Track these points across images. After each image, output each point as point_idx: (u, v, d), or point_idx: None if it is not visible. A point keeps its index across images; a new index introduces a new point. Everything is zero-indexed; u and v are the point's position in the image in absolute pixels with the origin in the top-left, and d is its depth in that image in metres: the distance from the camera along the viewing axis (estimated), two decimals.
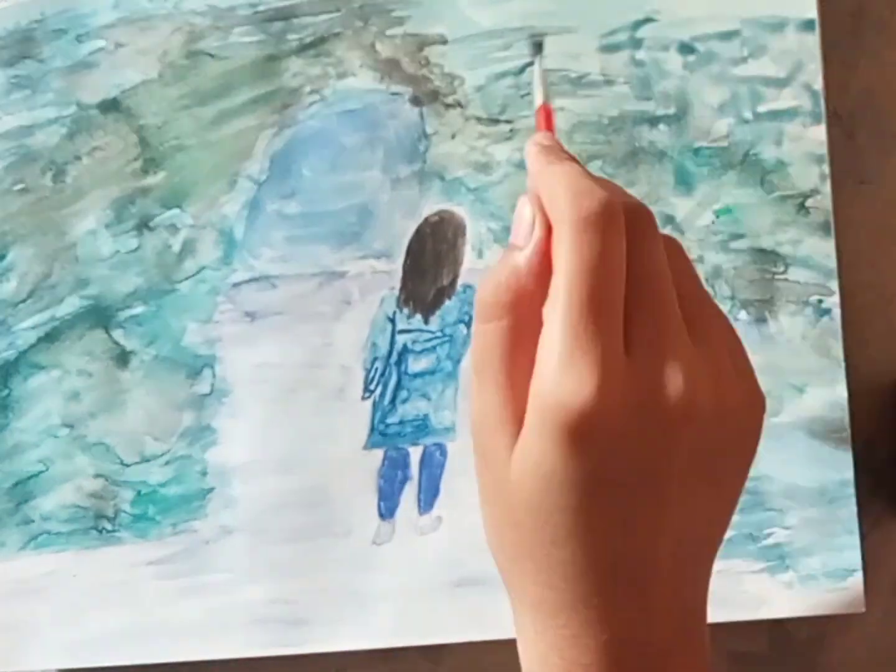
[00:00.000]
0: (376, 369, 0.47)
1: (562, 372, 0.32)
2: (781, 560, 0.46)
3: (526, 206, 0.36)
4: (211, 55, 0.46)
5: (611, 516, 0.34)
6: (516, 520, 0.35)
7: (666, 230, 0.46)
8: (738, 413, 0.35)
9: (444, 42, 0.46)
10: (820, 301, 0.46)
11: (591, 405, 0.32)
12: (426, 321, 0.47)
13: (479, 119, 0.46)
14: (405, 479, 0.47)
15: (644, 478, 0.34)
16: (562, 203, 0.33)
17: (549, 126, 0.38)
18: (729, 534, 0.45)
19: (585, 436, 0.32)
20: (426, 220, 0.47)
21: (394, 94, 0.46)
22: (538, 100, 0.40)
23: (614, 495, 0.33)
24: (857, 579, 0.46)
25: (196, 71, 0.46)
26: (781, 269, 0.46)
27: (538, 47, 0.43)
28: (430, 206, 0.47)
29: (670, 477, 0.34)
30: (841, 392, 0.46)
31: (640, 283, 0.34)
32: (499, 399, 0.34)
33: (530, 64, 0.46)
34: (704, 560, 0.37)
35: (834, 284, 0.46)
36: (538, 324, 0.35)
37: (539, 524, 0.34)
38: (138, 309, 0.47)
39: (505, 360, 0.34)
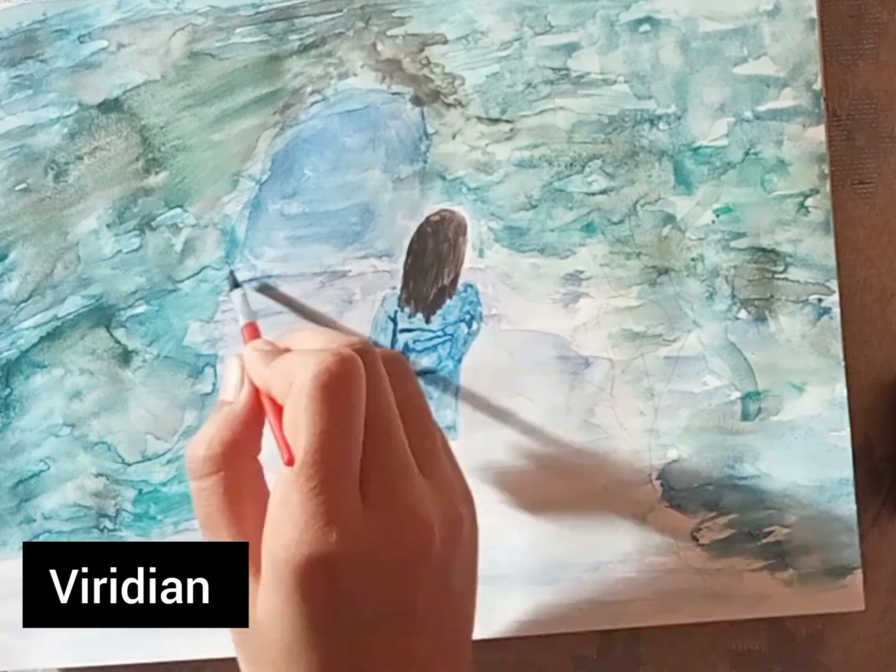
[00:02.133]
0: None
1: (301, 529, 0.34)
2: (781, 558, 0.46)
3: (234, 363, 0.38)
4: (213, 55, 0.46)
5: (360, 653, 0.35)
6: (268, 661, 0.36)
7: (666, 229, 0.46)
8: (468, 536, 0.38)
9: (445, 42, 0.46)
10: (819, 300, 0.46)
11: (332, 557, 0.33)
12: (427, 320, 0.47)
13: (479, 119, 0.46)
14: None
15: (390, 614, 0.35)
16: (299, 373, 0.34)
17: (257, 336, 0.41)
18: (728, 532, 0.46)
19: (327, 584, 0.34)
20: (427, 219, 0.47)
21: (395, 94, 0.47)
22: (241, 321, 0.43)
23: (361, 634, 0.35)
24: (857, 577, 0.46)
25: (198, 71, 0.47)
26: (781, 268, 0.46)
27: (233, 281, 0.45)
28: (431, 205, 0.47)
29: (413, 609, 0.36)
30: (840, 391, 0.46)
31: (372, 427, 0.35)
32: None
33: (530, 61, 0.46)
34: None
35: (833, 284, 0.46)
36: (255, 472, 0.37)
37: (290, 666, 0.35)
38: (140, 308, 0.47)
39: (228, 513, 0.36)
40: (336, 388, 0.34)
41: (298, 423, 0.34)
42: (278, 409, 0.36)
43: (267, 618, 0.35)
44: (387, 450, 0.35)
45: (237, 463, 0.37)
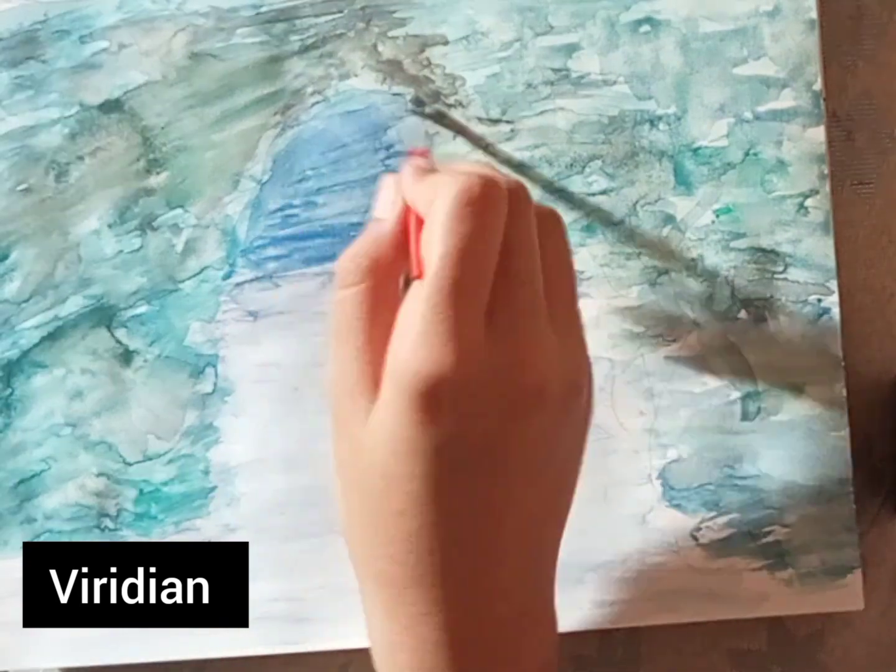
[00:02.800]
0: None
1: (420, 343, 0.33)
2: (780, 558, 0.46)
3: (390, 182, 0.37)
4: (214, 56, 0.47)
5: (458, 489, 0.34)
6: (368, 487, 0.35)
7: (666, 230, 0.46)
8: (583, 408, 0.37)
9: (446, 43, 0.46)
10: (819, 300, 0.46)
11: (447, 375, 0.32)
12: None
13: (480, 119, 0.47)
14: None
15: (492, 454, 0.34)
16: (442, 187, 0.34)
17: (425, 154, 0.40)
18: (728, 532, 0.46)
19: (439, 405, 0.33)
20: None
21: (396, 94, 0.47)
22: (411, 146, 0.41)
23: (463, 468, 0.34)
24: (856, 577, 0.46)
25: (199, 72, 0.47)
26: (781, 268, 0.46)
27: (417, 101, 0.45)
28: None
29: (518, 456, 0.34)
30: (840, 391, 0.46)
31: (509, 262, 0.34)
32: (357, 365, 0.35)
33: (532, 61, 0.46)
34: (549, 542, 0.37)
35: (833, 284, 0.46)
36: (395, 293, 0.36)
37: (389, 492, 0.34)
38: (141, 308, 0.47)
39: (364, 324, 0.35)
40: (474, 208, 0.33)
41: (433, 239, 0.34)
42: (420, 225, 0.35)
43: (376, 437, 0.34)
44: (519, 288, 0.34)
45: (380, 278, 0.36)
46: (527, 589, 0.36)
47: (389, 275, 0.36)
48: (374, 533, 0.35)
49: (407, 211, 0.36)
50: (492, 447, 0.34)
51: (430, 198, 0.35)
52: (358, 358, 0.35)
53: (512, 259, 0.34)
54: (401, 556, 0.34)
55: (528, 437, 0.34)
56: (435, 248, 0.33)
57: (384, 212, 0.37)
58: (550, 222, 0.37)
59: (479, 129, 0.47)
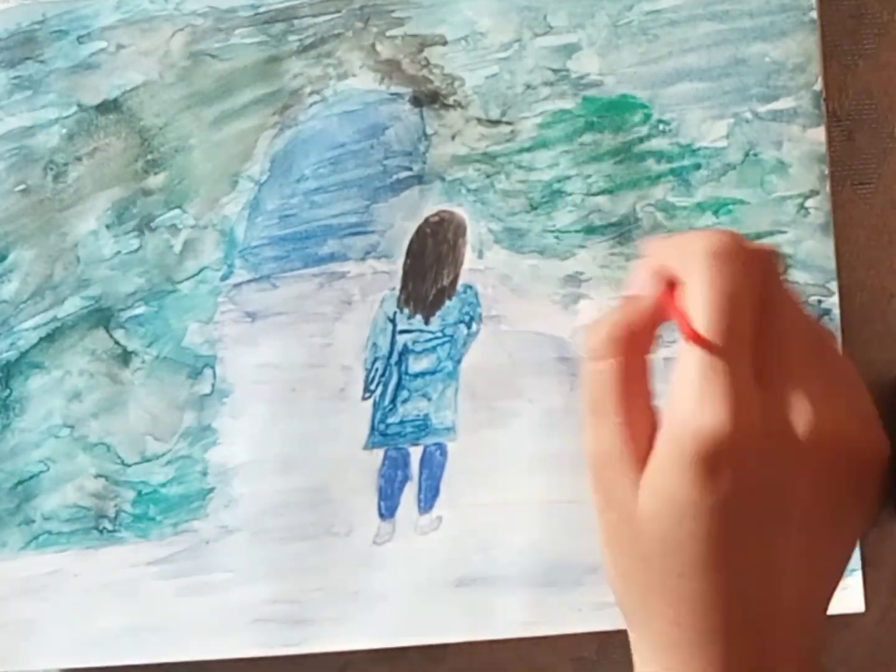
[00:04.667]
0: (377, 369, 0.47)
1: (697, 402, 0.33)
2: None
3: (643, 265, 0.37)
4: (212, 56, 0.47)
5: (740, 548, 0.34)
6: (645, 554, 0.35)
7: (666, 230, 0.46)
8: (861, 449, 0.36)
9: (444, 43, 0.46)
10: (819, 301, 0.46)
11: (726, 432, 0.32)
12: (426, 321, 0.47)
13: (479, 120, 0.46)
14: (405, 478, 0.47)
15: (772, 504, 0.34)
16: (695, 244, 0.34)
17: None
18: None
19: (721, 463, 0.33)
20: (426, 220, 0.47)
21: (394, 94, 0.47)
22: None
23: (744, 526, 0.34)
24: (856, 579, 0.46)
25: (197, 72, 0.47)
26: (781, 269, 0.46)
27: None
28: (431, 206, 0.47)
29: (795, 503, 0.34)
30: None
31: (769, 316, 0.34)
32: (619, 437, 0.35)
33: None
34: (823, 600, 0.37)
35: (833, 285, 0.46)
36: (646, 368, 0.36)
37: (670, 556, 0.34)
38: (139, 309, 0.47)
39: (622, 397, 0.35)
40: (729, 256, 0.33)
41: (694, 295, 0.33)
42: (673, 289, 0.35)
43: (653, 502, 0.34)
44: (785, 342, 0.34)
45: (634, 352, 0.36)
46: (803, 648, 0.36)
47: (642, 348, 0.36)
48: (653, 597, 0.35)
49: (667, 292, 0.36)
50: (771, 503, 0.34)
51: (680, 256, 0.35)
52: (619, 434, 0.35)
53: (774, 315, 0.34)
54: (680, 617, 0.34)
55: (805, 485, 0.34)
56: (697, 303, 0.33)
57: (638, 289, 0.37)
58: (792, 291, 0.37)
59: (478, 129, 0.47)
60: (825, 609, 0.37)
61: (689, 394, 0.33)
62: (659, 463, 0.34)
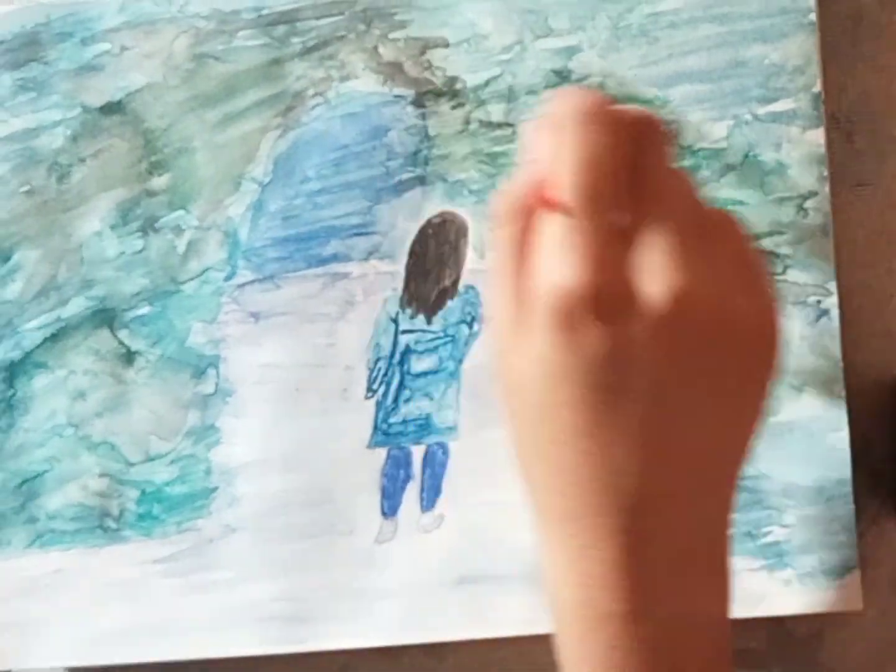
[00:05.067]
0: (379, 369, 0.47)
1: (556, 262, 0.32)
2: (780, 558, 0.46)
3: (533, 128, 0.35)
4: (215, 58, 0.47)
5: (614, 417, 0.32)
6: (528, 417, 0.33)
7: None
8: (748, 329, 0.34)
9: (446, 45, 0.47)
10: (818, 302, 0.46)
11: (583, 288, 0.31)
12: (429, 322, 0.47)
13: (481, 122, 0.47)
14: (408, 477, 0.47)
15: (642, 375, 0.32)
16: (559, 107, 0.33)
17: None
18: None
19: (580, 321, 0.31)
20: (429, 221, 0.47)
21: (396, 96, 0.47)
22: None
23: (616, 394, 0.32)
24: (855, 577, 0.46)
25: (201, 74, 0.47)
26: (780, 270, 0.46)
27: None
28: (433, 207, 0.47)
29: (672, 379, 0.32)
30: (839, 392, 0.46)
31: (643, 179, 0.33)
32: (512, 300, 0.33)
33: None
34: (718, 485, 0.35)
35: (832, 286, 0.46)
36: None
37: (545, 421, 0.33)
38: (143, 309, 0.47)
39: (515, 262, 0.34)
40: (589, 118, 0.32)
41: (558, 160, 0.32)
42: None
43: (528, 364, 0.33)
44: (657, 206, 0.33)
45: (531, 217, 0.34)
46: (693, 529, 0.34)
47: (535, 213, 0.34)
48: (539, 465, 0.34)
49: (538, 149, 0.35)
50: (646, 371, 0.32)
51: (552, 122, 0.33)
52: (512, 294, 0.34)
53: (647, 178, 0.33)
54: (562, 487, 0.33)
55: (681, 359, 0.32)
56: (562, 167, 0.32)
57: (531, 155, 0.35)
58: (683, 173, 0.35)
59: (480, 131, 0.47)
60: (725, 497, 0.35)
61: (550, 255, 0.32)
62: (529, 323, 0.33)
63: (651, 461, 0.33)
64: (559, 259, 0.32)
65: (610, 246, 0.32)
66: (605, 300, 0.31)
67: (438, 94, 0.47)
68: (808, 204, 0.46)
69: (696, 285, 0.32)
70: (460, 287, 0.47)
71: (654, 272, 0.32)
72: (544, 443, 0.33)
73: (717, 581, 0.35)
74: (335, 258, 0.47)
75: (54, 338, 0.47)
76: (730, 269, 0.34)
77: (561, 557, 0.34)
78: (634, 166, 0.33)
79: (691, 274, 0.32)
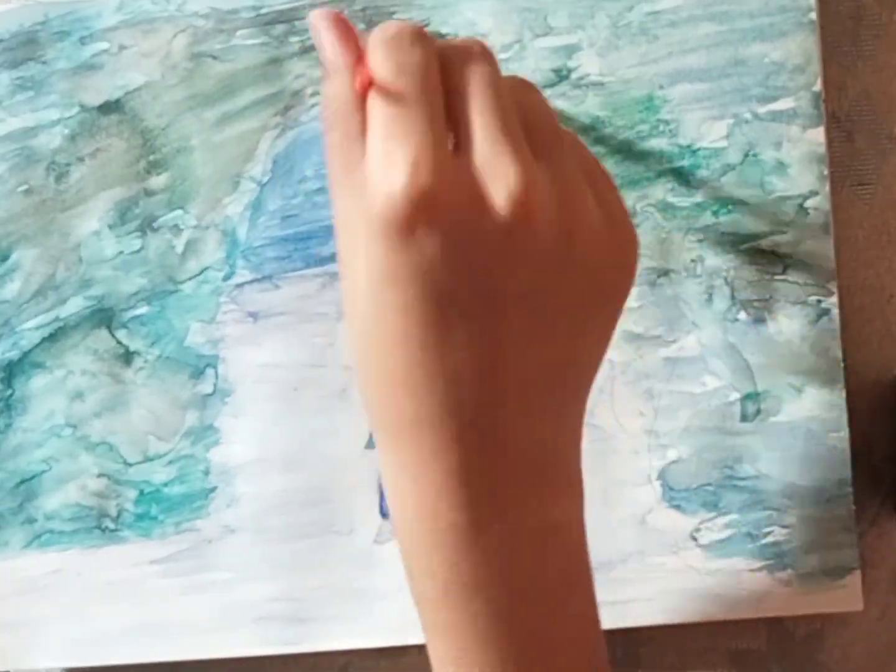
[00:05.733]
0: None
1: (378, 161, 0.31)
2: (780, 558, 0.46)
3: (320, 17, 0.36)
4: (214, 57, 0.47)
5: (449, 325, 0.31)
6: (362, 326, 0.32)
7: (665, 231, 0.46)
8: (597, 234, 0.33)
9: None
10: (819, 301, 0.46)
11: (408, 192, 0.30)
12: None
13: None
14: None
15: (478, 284, 0.31)
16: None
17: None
18: (728, 532, 0.46)
19: (412, 223, 0.30)
20: None
21: None
22: None
23: (451, 300, 0.31)
24: (855, 577, 0.46)
25: (199, 73, 0.47)
26: (780, 269, 0.46)
27: None
28: None
29: (511, 290, 0.32)
30: (839, 392, 0.46)
31: (467, 91, 0.32)
32: (347, 203, 0.33)
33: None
34: (573, 390, 0.34)
35: (833, 285, 0.46)
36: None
37: (378, 327, 0.32)
38: (142, 309, 0.47)
39: (350, 165, 0.33)
40: (410, 37, 0.33)
41: (374, 46, 0.33)
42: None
43: (362, 271, 0.32)
44: (486, 107, 0.32)
45: (361, 117, 0.33)
46: (539, 441, 0.33)
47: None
48: (371, 372, 0.33)
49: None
50: (483, 281, 0.31)
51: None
52: (348, 196, 0.33)
53: (473, 89, 0.32)
54: (397, 395, 0.32)
55: (517, 270, 0.31)
56: (377, 69, 0.33)
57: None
58: (524, 84, 0.35)
59: None
60: (571, 414, 0.34)
61: (375, 154, 0.31)
62: (364, 230, 0.31)
63: (488, 373, 0.32)
64: (391, 157, 0.31)
65: (433, 145, 0.31)
66: (434, 208, 0.30)
67: None
68: (809, 203, 0.46)
69: (540, 194, 0.31)
70: None
71: (496, 178, 0.31)
72: (375, 349, 0.32)
73: (569, 492, 0.34)
74: (334, 258, 0.47)
75: (52, 338, 0.47)
76: (577, 181, 0.33)
77: (401, 469, 0.33)
78: (466, 85, 0.32)
79: (535, 182, 0.31)
